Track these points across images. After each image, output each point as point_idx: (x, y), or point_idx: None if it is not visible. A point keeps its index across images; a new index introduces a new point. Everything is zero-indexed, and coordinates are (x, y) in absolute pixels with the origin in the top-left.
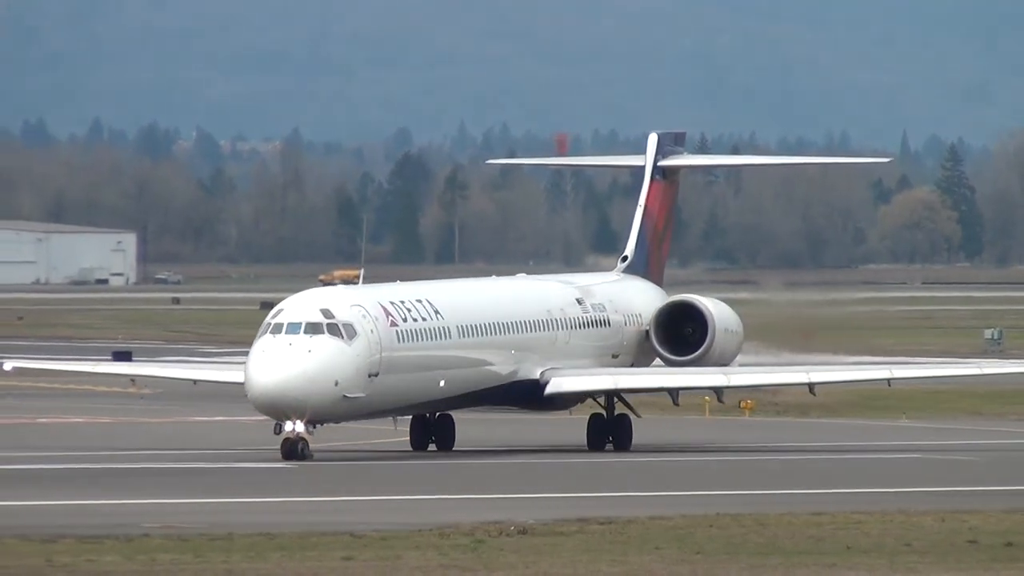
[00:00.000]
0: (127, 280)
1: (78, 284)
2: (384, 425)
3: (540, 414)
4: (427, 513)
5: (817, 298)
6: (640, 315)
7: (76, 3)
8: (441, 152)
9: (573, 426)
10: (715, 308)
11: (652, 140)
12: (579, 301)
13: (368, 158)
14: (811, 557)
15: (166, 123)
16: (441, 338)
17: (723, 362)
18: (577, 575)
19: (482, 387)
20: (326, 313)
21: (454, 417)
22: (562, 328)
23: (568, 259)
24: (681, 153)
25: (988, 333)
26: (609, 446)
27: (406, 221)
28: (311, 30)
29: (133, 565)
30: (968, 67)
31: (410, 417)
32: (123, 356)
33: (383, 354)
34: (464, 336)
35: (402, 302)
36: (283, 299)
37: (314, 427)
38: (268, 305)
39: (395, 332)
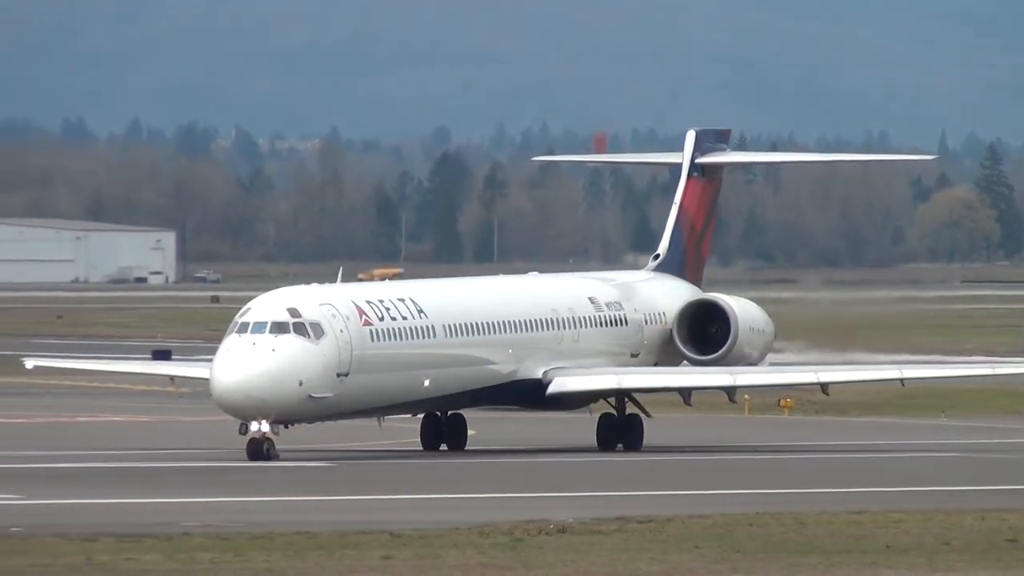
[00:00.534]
0: (166, 279)
1: (117, 283)
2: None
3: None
4: (466, 512)
5: (856, 297)
6: (664, 314)
7: (116, 2)
8: (480, 150)
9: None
10: (739, 307)
11: (690, 137)
12: (592, 300)
13: (407, 156)
14: (850, 556)
15: (205, 122)
16: (423, 337)
17: (748, 361)
18: (616, 574)
19: (476, 386)
20: (293, 312)
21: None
22: (569, 327)
23: (607, 257)
24: (723, 150)
25: None
26: (619, 446)
27: (445, 219)
28: (350, 28)
29: (173, 564)
30: (1007, 66)
31: (421, 416)
32: (162, 355)
33: (354, 353)
34: (451, 335)
35: (380, 301)
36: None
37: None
38: None
39: (369, 331)
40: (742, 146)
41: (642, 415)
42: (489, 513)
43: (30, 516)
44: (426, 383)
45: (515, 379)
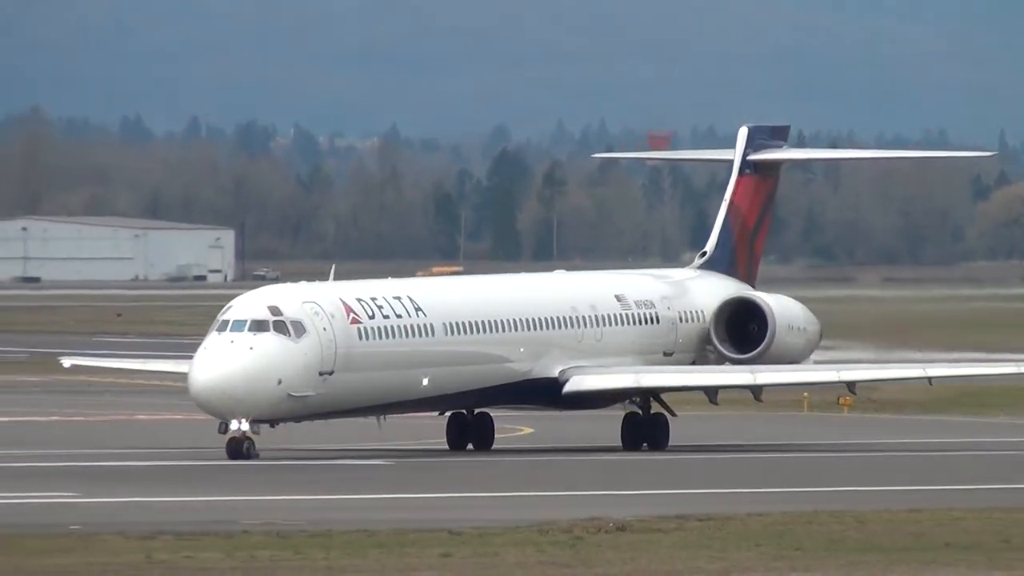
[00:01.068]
0: (225, 277)
1: (176, 281)
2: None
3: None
4: (525, 510)
5: (914, 295)
6: (703, 312)
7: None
8: (539, 148)
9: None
10: (777, 304)
11: (742, 134)
12: (619, 298)
13: (465, 155)
14: (909, 554)
15: (264, 120)
16: (420, 335)
17: (788, 360)
18: (676, 572)
19: (484, 385)
20: (273, 310)
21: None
22: (591, 325)
23: (666, 255)
24: (779, 147)
25: None
26: (644, 446)
27: (504, 218)
28: (410, 26)
29: (232, 562)
30: None
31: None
32: None
33: (339, 351)
34: (453, 333)
35: (373, 299)
36: None
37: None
38: None
39: (357, 329)
40: (800, 143)
41: (667, 414)
42: (548, 511)
43: (89, 514)
44: (425, 382)
45: (529, 378)
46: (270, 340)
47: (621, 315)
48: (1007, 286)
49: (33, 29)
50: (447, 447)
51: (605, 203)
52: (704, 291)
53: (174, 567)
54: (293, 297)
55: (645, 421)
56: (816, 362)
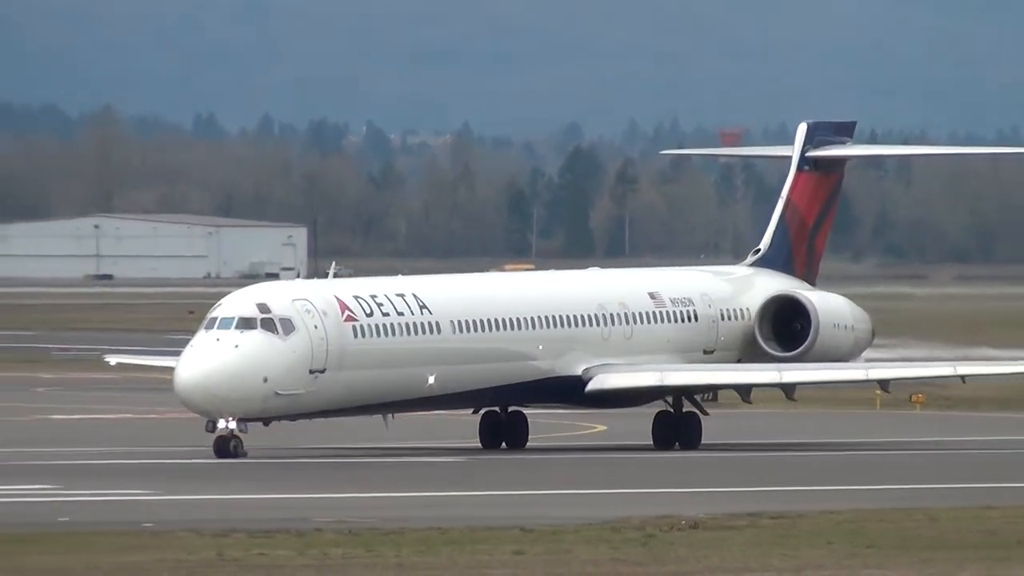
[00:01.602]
0: (297, 274)
1: (248, 278)
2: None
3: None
4: (596, 507)
5: (985, 293)
6: (748, 310)
7: None
8: (611, 146)
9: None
10: (821, 302)
11: (801, 130)
12: (652, 295)
13: (538, 152)
14: (982, 551)
15: (336, 118)
16: (424, 333)
17: (834, 358)
18: (748, 569)
19: (499, 384)
20: (262, 308)
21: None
22: (619, 323)
23: (737, 252)
24: (843, 144)
25: None
26: (676, 445)
27: (576, 215)
28: (482, 24)
29: (304, 559)
30: None
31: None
32: None
33: (332, 349)
34: (461, 331)
35: (372, 296)
36: None
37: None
38: None
39: (352, 327)
40: (873, 140)
41: (699, 414)
42: (620, 509)
43: (161, 511)
44: (430, 380)
45: (551, 376)
46: (256, 338)
47: (654, 313)
48: None
49: (106, 28)
50: (480, 445)
51: (677, 200)
52: (752, 289)
53: (246, 565)
54: (283, 294)
55: (677, 420)
56: (869, 360)
